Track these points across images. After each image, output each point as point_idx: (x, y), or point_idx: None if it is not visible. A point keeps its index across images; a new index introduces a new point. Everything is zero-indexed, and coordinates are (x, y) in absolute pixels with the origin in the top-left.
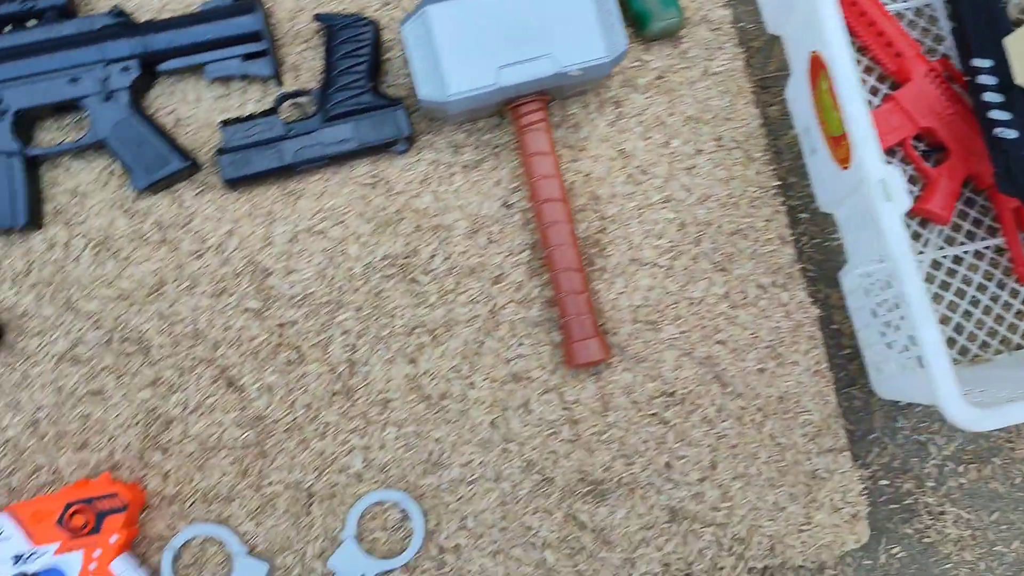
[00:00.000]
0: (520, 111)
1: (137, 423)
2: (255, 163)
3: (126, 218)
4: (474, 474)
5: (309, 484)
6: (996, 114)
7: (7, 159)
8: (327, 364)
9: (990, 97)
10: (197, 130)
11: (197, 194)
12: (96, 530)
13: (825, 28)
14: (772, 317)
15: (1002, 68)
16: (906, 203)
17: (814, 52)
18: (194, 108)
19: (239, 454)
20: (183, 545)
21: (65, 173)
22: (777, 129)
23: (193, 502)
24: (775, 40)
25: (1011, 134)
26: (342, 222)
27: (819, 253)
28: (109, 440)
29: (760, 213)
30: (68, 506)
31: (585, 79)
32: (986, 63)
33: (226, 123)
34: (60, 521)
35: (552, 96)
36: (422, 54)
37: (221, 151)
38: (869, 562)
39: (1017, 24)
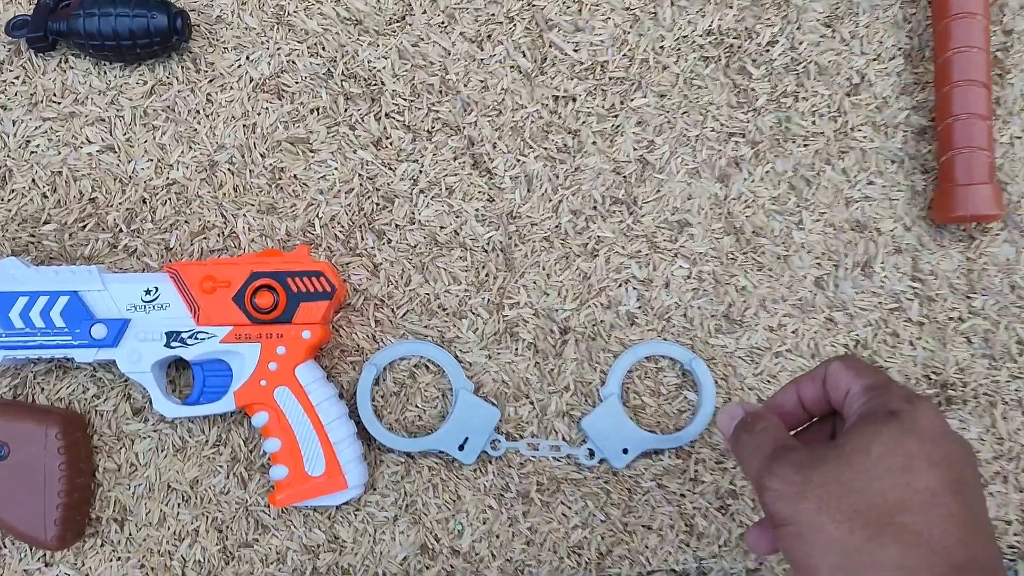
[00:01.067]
0: None
1: (349, 191)
2: None
3: None
4: (783, 344)
5: (565, 316)
6: None
7: None
8: (611, 160)
9: None
10: None
11: None
12: (286, 318)
13: None
14: None
15: None
16: None
17: None
18: None
19: (478, 258)
20: (388, 366)
21: None
22: None
23: (407, 311)
24: None
25: None
26: None
27: None
28: (308, 207)
29: None
30: (253, 277)
31: None
32: None
33: None
34: (239, 297)
35: None
36: None
37: None
38: None
39: None
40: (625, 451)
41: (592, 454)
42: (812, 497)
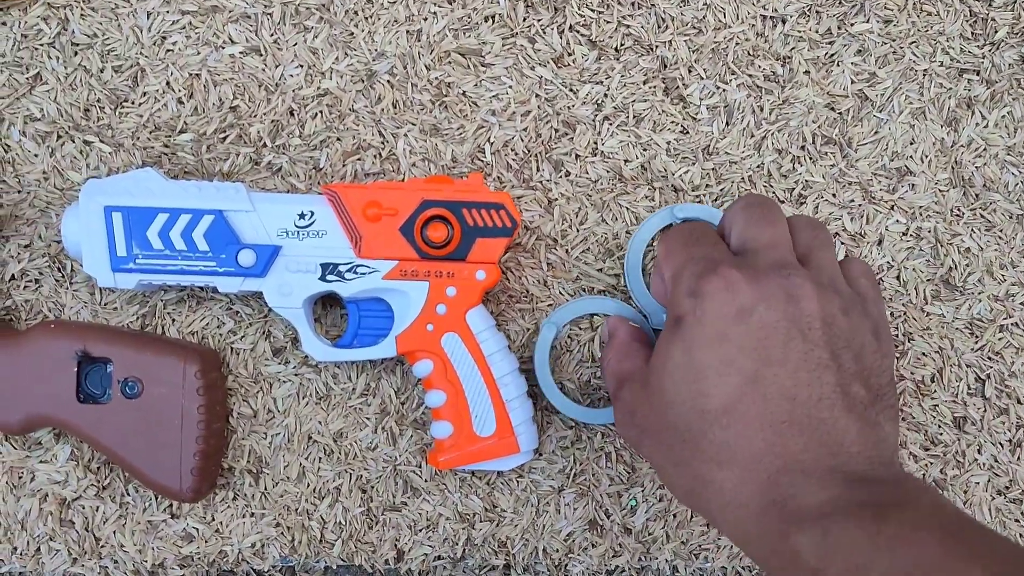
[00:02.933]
0: None
1: (525, 114)
2: None
3: None
4: (1010, 316)
5: None
6: None
7: None
8: (825, 94)
9: None
10: None
11: None
12: (460, 255)
13: None
14: None
15: None
16: None
17: None
18: None
19: (668, 198)
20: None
21: None
22: None
23: (583, 251)
24: None
25: None
26: None
27: None
28: (478, 130)
29: None
30: (425, 206)
31: None
32: None
33: None
34: (407, 228)
35: None
36: None
37: None
38: None
39: None
40: None
41: None
42: (645, 439)
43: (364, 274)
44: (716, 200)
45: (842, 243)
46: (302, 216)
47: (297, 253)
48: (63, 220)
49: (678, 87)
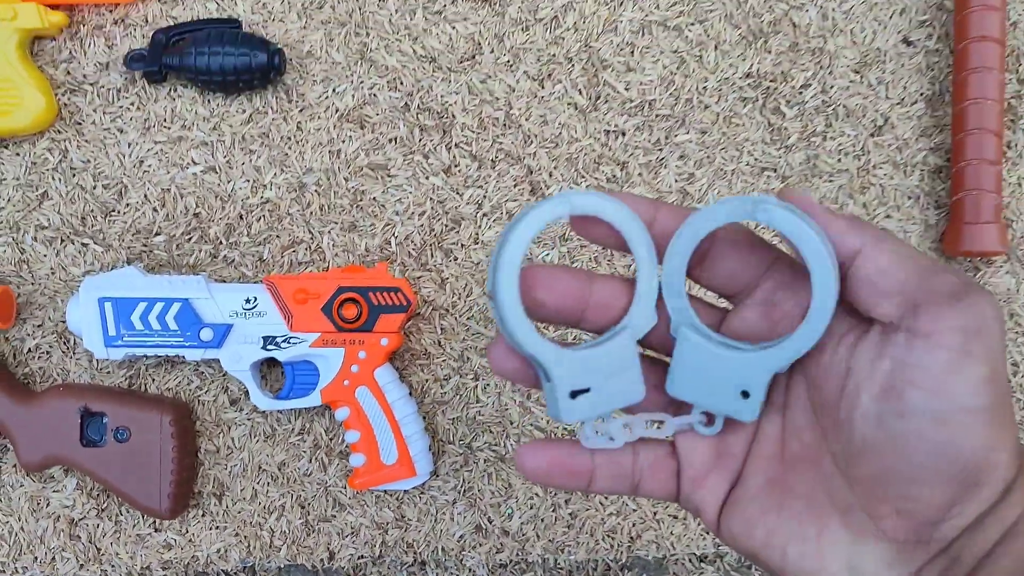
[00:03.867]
0: None
1: (422, 213)
2: None
3: None
4: None
5: None
6: None
7: None
8: (654, 191)
9: None
10: None
11: None
12: (367, 327)
13: None
14: None
15: None
16: None
17: None
18: None
19: None
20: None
21: None
22: None
23: (468, 317)
24: None
25: None
26: (704, 21)
27: None
28: (385, 226)
29: None
30: (340, 291)
31: None
32: None
33: None
34: (327, 308)
35: None
36: None
37: None
38: None
39: None
40: (746, 394)
41: (711, 419)
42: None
43: (295, 343)
44: None
45: None
46: (248, 301)
47: (245, 329)
48: (67, 309)
49: (541, 188)
